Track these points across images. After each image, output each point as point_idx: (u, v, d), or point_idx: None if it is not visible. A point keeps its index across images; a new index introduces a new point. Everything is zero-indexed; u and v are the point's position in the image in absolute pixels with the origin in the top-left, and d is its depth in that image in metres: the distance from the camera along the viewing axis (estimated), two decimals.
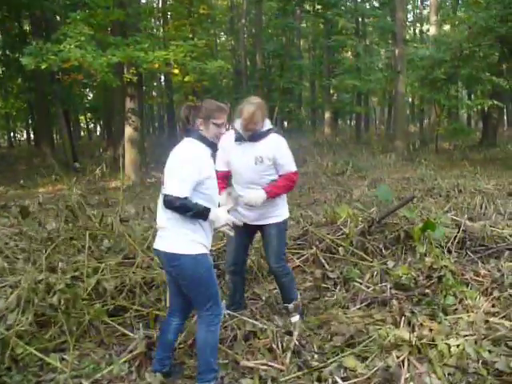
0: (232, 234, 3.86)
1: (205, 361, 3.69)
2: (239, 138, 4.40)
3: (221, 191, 4.33)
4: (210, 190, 3.58)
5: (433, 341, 4.11)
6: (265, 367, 3.90)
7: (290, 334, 4.34)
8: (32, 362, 4.05)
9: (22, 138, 46.88)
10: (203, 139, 3.58)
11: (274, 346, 4.14)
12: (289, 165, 4.48)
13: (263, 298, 5.34)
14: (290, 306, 4.74)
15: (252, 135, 4.36)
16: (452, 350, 4.01)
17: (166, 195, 3.43)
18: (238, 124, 4.38)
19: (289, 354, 4.06)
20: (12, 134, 43.17)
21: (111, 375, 3.91)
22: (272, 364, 3.94)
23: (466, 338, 4.14)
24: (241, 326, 4.44)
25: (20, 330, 4.13)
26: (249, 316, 4.70)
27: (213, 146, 3.65)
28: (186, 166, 3.44)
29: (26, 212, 7.35)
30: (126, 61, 15.63)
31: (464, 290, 5.03)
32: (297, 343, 4.20)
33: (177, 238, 3.52)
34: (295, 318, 4.69)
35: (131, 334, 4.48)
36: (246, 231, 4.55)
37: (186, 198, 3.40)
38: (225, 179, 4.52)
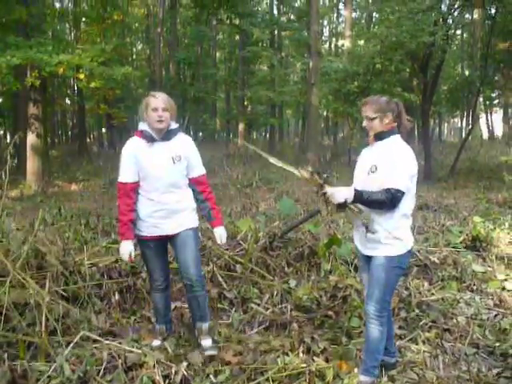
0: None
1: None
2: (150, 139, 3.87)
3: (131, 208, 3.90)
4: None
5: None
6: None
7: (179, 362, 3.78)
8: None
9: None
10: None
11: (158, 379, 3.56)
12: (201, 166, 4.15)
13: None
14: (205, 324, 4.14)
15: (166, 133, 3.90)
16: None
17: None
18: (144, 125, 3.89)
19: None
20: None
21: None
22: None
23: None
24: (121, 354, 3.81)
25: None
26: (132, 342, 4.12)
27: None
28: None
29: None
30: (28, 63, 14.72)
31: None
32: (185, 374, 3.64)
33: None
34: (207, 342, 4.08)
35: None
36: (163, 243, 4.10)
37: None
38: (135, 193, 3.94)
